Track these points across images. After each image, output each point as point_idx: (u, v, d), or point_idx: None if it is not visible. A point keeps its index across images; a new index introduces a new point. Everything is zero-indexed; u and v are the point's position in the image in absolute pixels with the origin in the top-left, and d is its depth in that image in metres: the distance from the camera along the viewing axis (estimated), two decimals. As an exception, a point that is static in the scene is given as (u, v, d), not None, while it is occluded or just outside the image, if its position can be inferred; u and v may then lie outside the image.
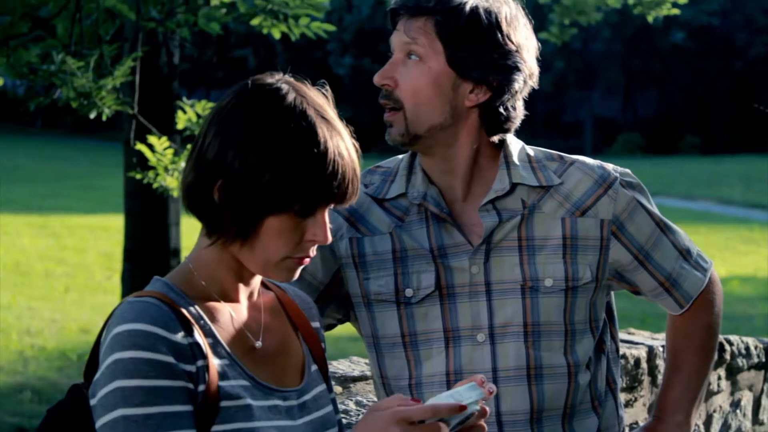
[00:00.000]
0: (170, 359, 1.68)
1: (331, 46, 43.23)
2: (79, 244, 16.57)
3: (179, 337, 1.71)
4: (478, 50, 2.19)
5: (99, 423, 1.68)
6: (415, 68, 2.20)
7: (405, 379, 2.31)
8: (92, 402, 1.71)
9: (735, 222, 21.23)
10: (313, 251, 1.82)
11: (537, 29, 2.33)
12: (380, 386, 2.38)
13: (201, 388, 1.72)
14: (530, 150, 2.35)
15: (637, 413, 3.71)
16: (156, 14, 5.78)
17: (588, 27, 11.83)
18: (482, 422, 1.72)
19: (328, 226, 1.81)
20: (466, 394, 1.68)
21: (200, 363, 1.72)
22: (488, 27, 2.19)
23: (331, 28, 6.01)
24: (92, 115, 5.19)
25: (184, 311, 1.75)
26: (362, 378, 3.36)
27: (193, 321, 1.75)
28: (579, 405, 2.32)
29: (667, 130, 48.31)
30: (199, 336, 1.74)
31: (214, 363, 1.74)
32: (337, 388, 3.27)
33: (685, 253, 2.41)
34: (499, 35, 2.19)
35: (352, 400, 3.12)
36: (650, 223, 2.35)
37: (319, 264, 2.33)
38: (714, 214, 22.90)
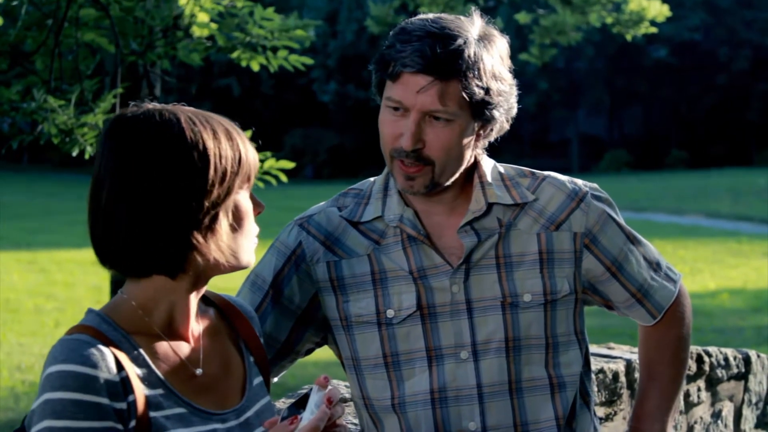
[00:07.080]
0: (99, 399, 1.70)
1: (315, 73, 43.33)
2: (68, 278, 16.52)
3: (109, 373, 1.72)
4: (499, 99, 2.22)
5: None
6: (445, 128, 2.20)
7: (387, 399, 2.32)
8: None
9: (723, 235, 21.25)
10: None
11: (518, 50, 2.36)
12: (362, 407, 2.39)
13: (132, 424, 1.73)
14: (501, 168, 2.39)
15: (617, 427, 3.71)
16: (136, 47, 5.80)
17: (571, 46, 11.85)
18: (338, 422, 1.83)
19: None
20: (318, 400, 1.80)
21: (131, 398, 1.74)
22: (503, 71, 2.23)
23: (308, 61, 6.04)
24: (74, 153, 5.17)
25: (116, 345, 1.76)
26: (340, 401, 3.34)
27: (124, 354, 1.76)
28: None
29: (653, 145, 48.51)
30: (130, 369, 1.75)
31: (145, 394, 1.76)
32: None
33: (655, 265, 2.46)
34: (508, 75, 2.25)
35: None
36: (621, 235, 2.40)
37: (296, 289, 2.34)
38: (702, 227, 22.94)
